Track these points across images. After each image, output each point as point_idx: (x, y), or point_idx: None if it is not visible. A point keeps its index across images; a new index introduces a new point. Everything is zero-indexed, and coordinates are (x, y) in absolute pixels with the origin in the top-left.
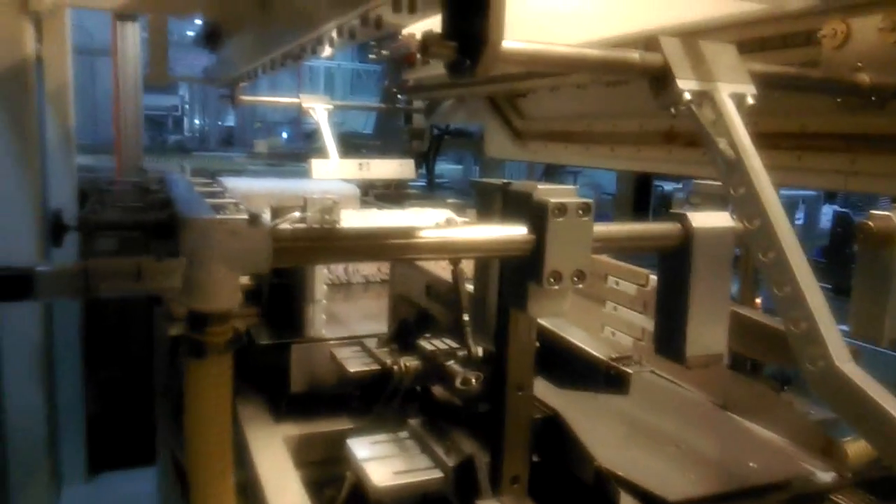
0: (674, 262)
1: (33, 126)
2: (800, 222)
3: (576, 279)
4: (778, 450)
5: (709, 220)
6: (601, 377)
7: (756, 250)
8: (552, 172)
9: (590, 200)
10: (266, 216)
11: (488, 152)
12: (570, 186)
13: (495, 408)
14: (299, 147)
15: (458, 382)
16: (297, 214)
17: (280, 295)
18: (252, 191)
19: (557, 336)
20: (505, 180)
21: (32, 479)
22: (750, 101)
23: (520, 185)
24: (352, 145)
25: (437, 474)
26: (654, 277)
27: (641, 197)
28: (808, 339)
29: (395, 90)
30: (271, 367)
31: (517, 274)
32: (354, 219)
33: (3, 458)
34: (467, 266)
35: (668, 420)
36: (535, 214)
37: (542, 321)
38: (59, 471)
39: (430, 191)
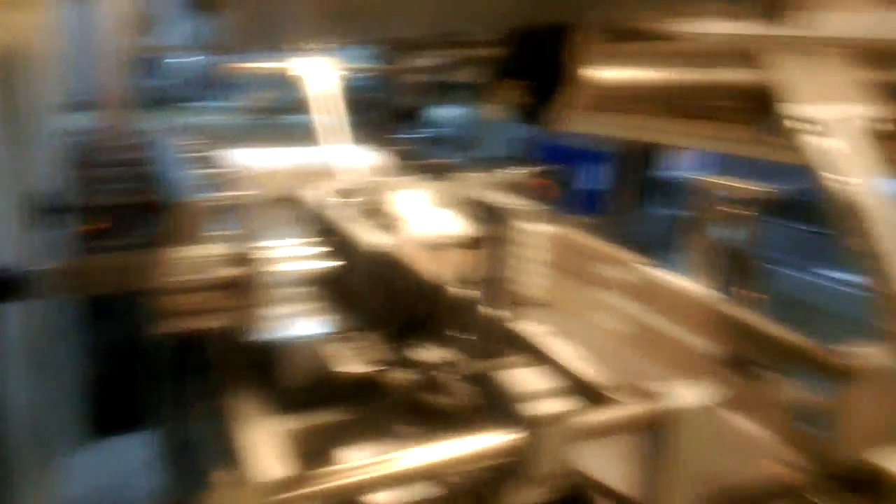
0: None
1: (19, 104)
2: None
3: None
4: (756, 447)
5: None
6: None
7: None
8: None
9: None
10: None
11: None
12: None
13: None
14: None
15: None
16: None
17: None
18: (272, 169)
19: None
20: None
21: (35, 446)
22: (875, 126)
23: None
24: None
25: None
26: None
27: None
28: None
29: None
30: (260, 363)
31: None
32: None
33: (5, 427)
34: None
35: None
36: None
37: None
38: (60, 437)
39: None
